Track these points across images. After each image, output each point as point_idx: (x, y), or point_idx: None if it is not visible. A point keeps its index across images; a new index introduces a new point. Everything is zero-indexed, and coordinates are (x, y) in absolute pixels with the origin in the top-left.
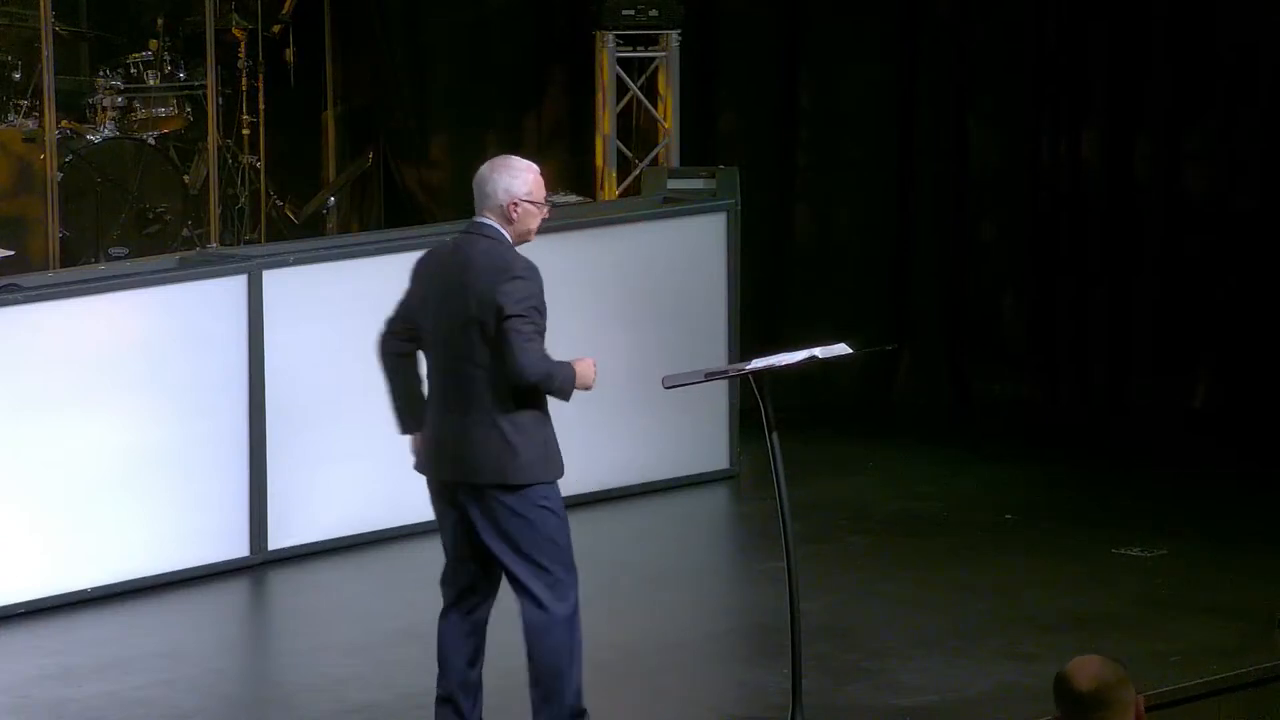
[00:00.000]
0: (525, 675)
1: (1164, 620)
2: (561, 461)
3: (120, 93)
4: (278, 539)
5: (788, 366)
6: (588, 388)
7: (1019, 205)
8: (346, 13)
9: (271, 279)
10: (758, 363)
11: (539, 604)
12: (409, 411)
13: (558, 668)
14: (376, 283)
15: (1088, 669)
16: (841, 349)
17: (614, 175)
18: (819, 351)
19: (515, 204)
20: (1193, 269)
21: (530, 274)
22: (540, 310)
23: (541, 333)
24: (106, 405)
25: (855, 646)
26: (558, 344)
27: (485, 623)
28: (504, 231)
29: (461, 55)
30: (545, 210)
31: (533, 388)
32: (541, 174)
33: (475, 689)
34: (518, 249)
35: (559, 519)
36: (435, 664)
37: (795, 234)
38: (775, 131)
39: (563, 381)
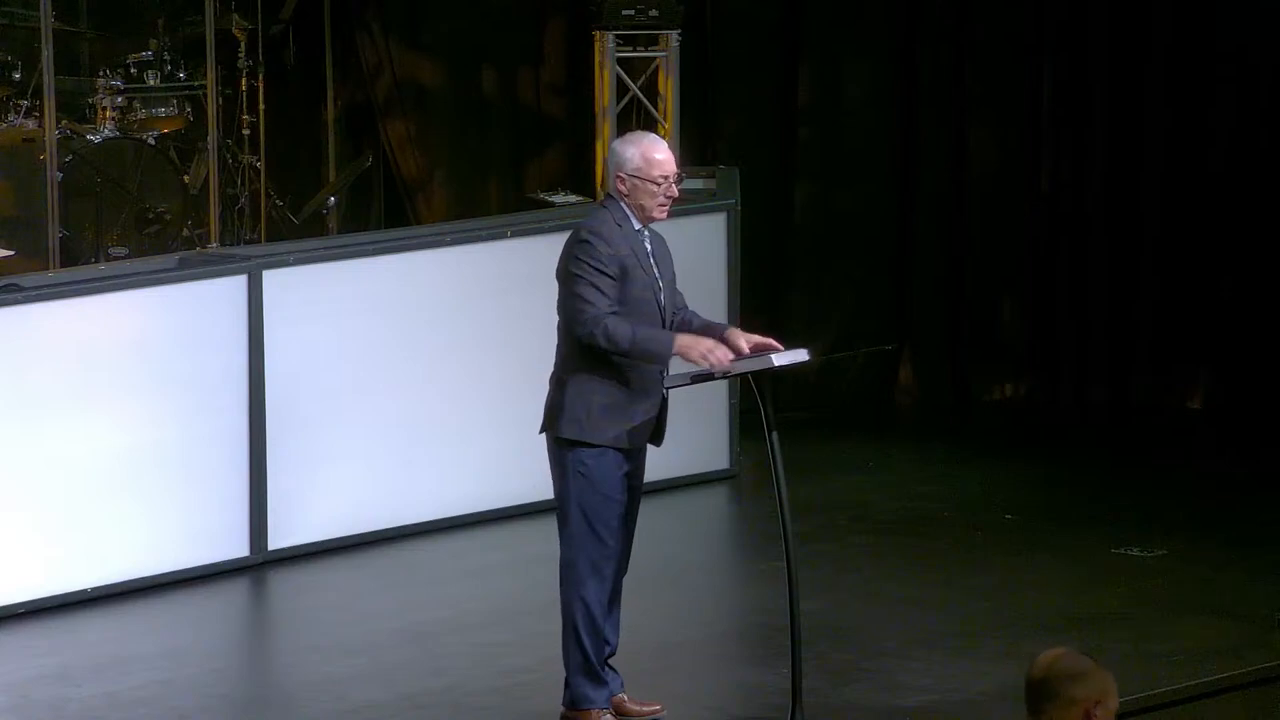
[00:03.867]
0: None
1: (1164, 620)
2: (620, 431)
3: (120, 93)
4: (278, 539)
5: (747, 374)
6: (702, 351)
7: (1019, 205)
8: (345, 13)
9: (271, 279)
10: (738, 366)
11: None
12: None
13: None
14: (376, 283)
15: (1044, 658)
16: (801, 355)
17: None
18: (776, 359)
19: (622, 178)
20: (1193, 269)
21: (591, 234)
22: (594, 267)
23: (600, 288)
24: (106, 405)
25: (855, 646)
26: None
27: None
28: (621, 203)
29: (460, 55)
30: (667, 187)
31: (588, 346)
32: (544, 168)
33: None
34: (648, 226)
35: (589, 483)
36: (435, 663)
37: (795, 234)
38: (775, 131)
39: (630, 344)
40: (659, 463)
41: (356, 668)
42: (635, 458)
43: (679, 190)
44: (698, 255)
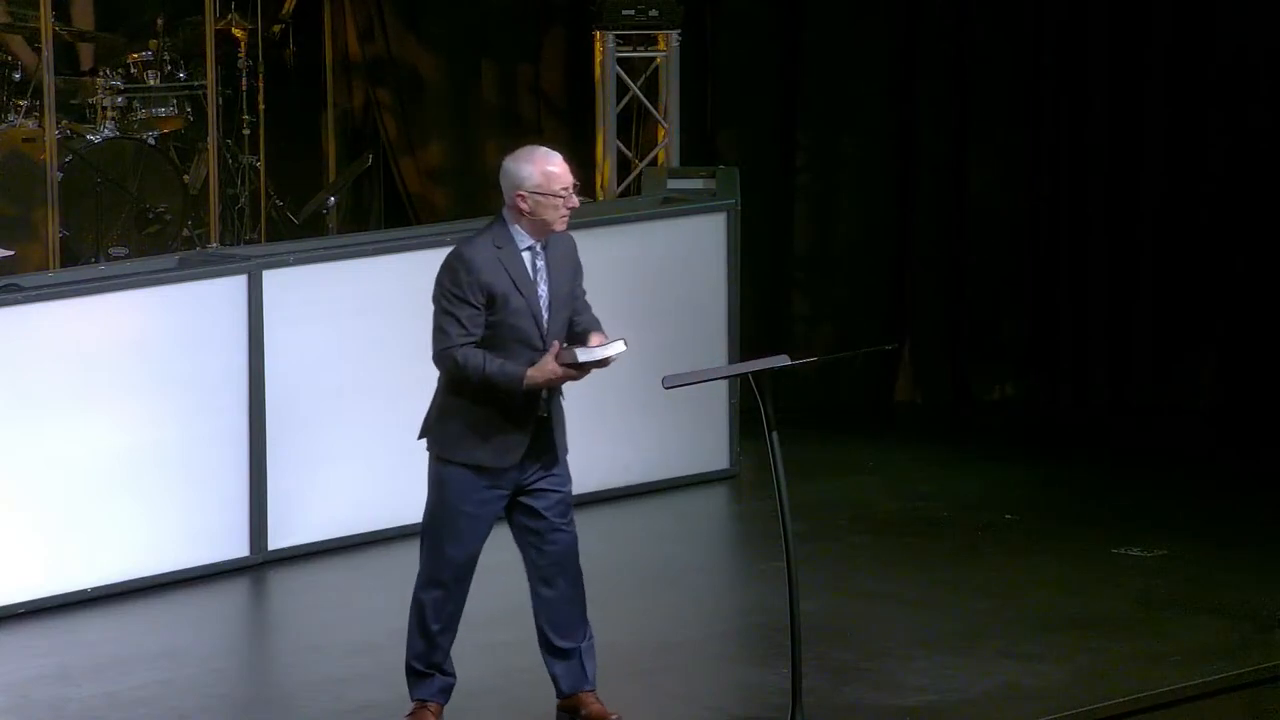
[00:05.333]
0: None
1: (1164, 620)
2: (476, 451)
3: (120, 93)
4: (278, 539)
5: (748, 374)
6: (551, 381)
7: (1019, 205)
8: (344, 14)
9: (271, 279)
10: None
11: None
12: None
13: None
14: (376, 283)
15: None
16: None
17: (614, 175)
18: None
19: (523, 196)
20: (1192, 269)
21: (458, 260)
22: (456, 296)
23: (458, 318)
24: (106, 405)
25: (855, 646)
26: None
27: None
28: (515, 222)
29: (460, 55)
30: (568, 199)
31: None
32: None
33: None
34: (541, 240)
35: (442, 495)
36: None
37: (795, 234)
38: (775, 131)
39: (479, 377)
40: (659, 462)
41: (356, 668)
42: (509, 479)
43: (578, 200)
44: (698, 255)
